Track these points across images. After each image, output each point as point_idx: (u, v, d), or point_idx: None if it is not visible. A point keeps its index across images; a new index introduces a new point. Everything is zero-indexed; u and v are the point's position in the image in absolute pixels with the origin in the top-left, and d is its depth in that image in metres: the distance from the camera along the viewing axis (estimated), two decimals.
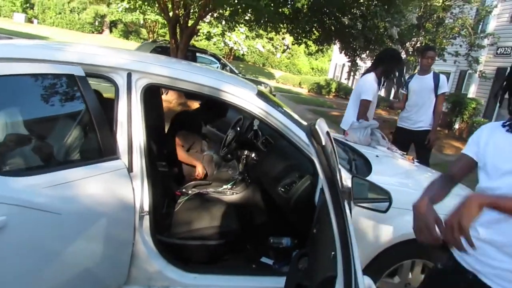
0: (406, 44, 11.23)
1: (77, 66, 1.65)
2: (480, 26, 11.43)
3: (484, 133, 1.42)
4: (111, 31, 35.36)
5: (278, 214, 2.60)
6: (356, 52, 9.33)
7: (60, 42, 2.08)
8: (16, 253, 1.39)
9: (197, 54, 11.26)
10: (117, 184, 1.76)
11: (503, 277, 1.22)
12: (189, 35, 8.32)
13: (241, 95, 2.04)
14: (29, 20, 32.97)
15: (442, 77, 4.42)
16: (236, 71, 11.82)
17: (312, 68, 38.86)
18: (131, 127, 1.85)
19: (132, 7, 12.73)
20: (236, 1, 6.28)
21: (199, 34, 20.84)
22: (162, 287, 2.05)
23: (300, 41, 10.38)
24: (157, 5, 8.29)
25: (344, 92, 23.11)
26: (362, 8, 8.15)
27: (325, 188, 0.99)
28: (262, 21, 9.05)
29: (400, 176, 2.57)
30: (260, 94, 2.19)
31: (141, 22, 23.58)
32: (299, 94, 21.80)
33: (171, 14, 8.04)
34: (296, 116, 2.35)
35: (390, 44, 8.27)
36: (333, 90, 23.70)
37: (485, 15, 10.57)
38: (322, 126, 1.00)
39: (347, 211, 1.73)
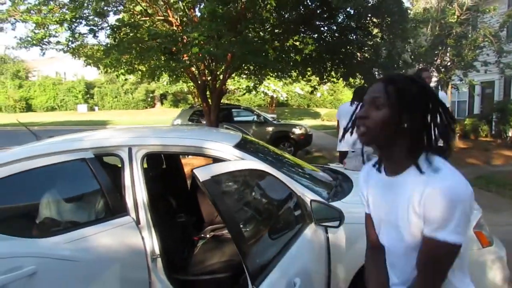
0: (434, 62, 11.24)
1: (88, 151, 2.27)
2: (506, 33, 11.19)
3: (362, 179, 1.33)
4: (162, 103, 38.57)
5: None
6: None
7: (79, 135, 2.74)
8: None
9: (232, 110, 12.26)
10: (127, 235, 2.27)
11: None
12: (218, 95, 9.13)
13: (219, 148, 2.51)
14: (91, 109, 37.18)
15: (441, 93, 4.65)
16: (270, 118, 12.63)
17: None
18: (135, 189, 2.39)
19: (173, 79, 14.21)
20: (249, 59, 6.98)
21: (239, 89, 22.31)
22: None
23: (325, 80, 10.90)
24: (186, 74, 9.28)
25: None
26: (374, 40, 8.58)
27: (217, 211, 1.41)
28: (286, 70, 9.73)
29: None
30: (239, 145, 2.66)
31: (185, 90, 25.75)
32: None
33: (199, 81, 8.97)
34: (279, 156, 2.77)
35: (406, 68, 8.50)
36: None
37: (507, 20, 10.40)
38: (210, 170, 1.46)
39: (305, 231, 2.09)
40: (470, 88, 12.98)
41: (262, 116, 12.05)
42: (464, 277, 1.15)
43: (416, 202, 1.05)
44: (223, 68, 8.48)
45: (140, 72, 8.43)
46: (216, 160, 2.54)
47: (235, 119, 12.13)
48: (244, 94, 28.82)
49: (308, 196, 2.32)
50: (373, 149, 1.24)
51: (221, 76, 8.93)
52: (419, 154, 1.10)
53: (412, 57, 9.51)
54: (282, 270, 1.61)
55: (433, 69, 11.65)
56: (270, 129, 11.70)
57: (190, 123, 11.49)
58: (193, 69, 8.47)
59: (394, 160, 1.14)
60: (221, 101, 10.09)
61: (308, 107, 38.50)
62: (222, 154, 2.52)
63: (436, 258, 1.04)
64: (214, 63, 8.35)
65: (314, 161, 9.60)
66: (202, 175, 1.41)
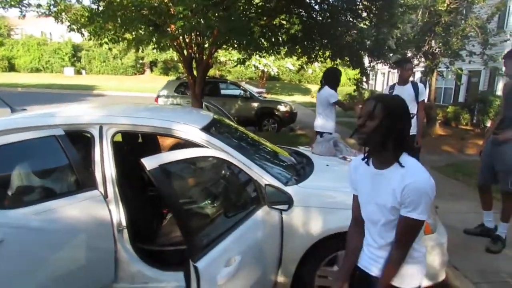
0: (422, 49, 11.30)
1: (58, 128, 2.39)
2: (496, 24, 11.22)
3: (352, 170, 1.74)
4: (151, 70, 37.98)
5: None
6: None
7: (52, 110, 2.83)
8: (13, 261, 2.09)
9: (219, 83, 12.29)
10: (94, 207, 2.43)
11: None
12: (204, 69, 9.11)
13: (186, 130, 2.64)
14: (78, 72, 36.41)
15: (421, 85, 4.79)
16: (256, 94, 12.71)
17: (349, 79, 38.72)
18: (104, 165, 2.54)
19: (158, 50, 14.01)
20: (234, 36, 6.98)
21: (230, 61, 22.10)
22: (142, 283, 2.66)
23: (313, 59, 10.94)
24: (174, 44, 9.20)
25: None
26: (362, 23, 8.62)
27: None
28: (272, 48, 9.72)
29: (337, 180, 2.98)
30: (207, 127, 2.79)
31: (176, 58, 25.41)
32: None
33: (185, 53, 8.92)
34: (248, 140, 2.92)
35: (391, 54, 8.59)
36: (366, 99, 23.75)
37: (495, 13, 10.46)
38: (158, 159, 1.62)
39: (258, 212, 2.28)
40: (456, 76, 13.16)
41: (249, 92, 12.11)
42: (419, 241, 1.66)
43: (397, 192, 1.51)
44: (209, 41, 8.46)
45: (126, 41, 8.35)
46: (187, 142, 2.67)
47: (221, 92, 12.18)
48: (235, 66, 28.65)
49: (265, 179, 2.49)
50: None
51: (207, 50, 8.90)
52: (401, 154, 1.55)
53: (400, 42, 9.60)
54: (225, 248, 1.80)
55: (421, 55, 11.76)
56: (255, 105, 11.80)
57: (176, 94, 11.50)
58: (180, 41, 8.42)
59: (382, 158, 1.58)
60: (208, 74, 10.08)
61: (300, 83, 38.41)
62: (189, 136, 2.65)
63: (409, 231, 1.55)
64: (200, 37, 8.32)
65: (297, 139, 9.79)
66: (150, 163, 1.56)
